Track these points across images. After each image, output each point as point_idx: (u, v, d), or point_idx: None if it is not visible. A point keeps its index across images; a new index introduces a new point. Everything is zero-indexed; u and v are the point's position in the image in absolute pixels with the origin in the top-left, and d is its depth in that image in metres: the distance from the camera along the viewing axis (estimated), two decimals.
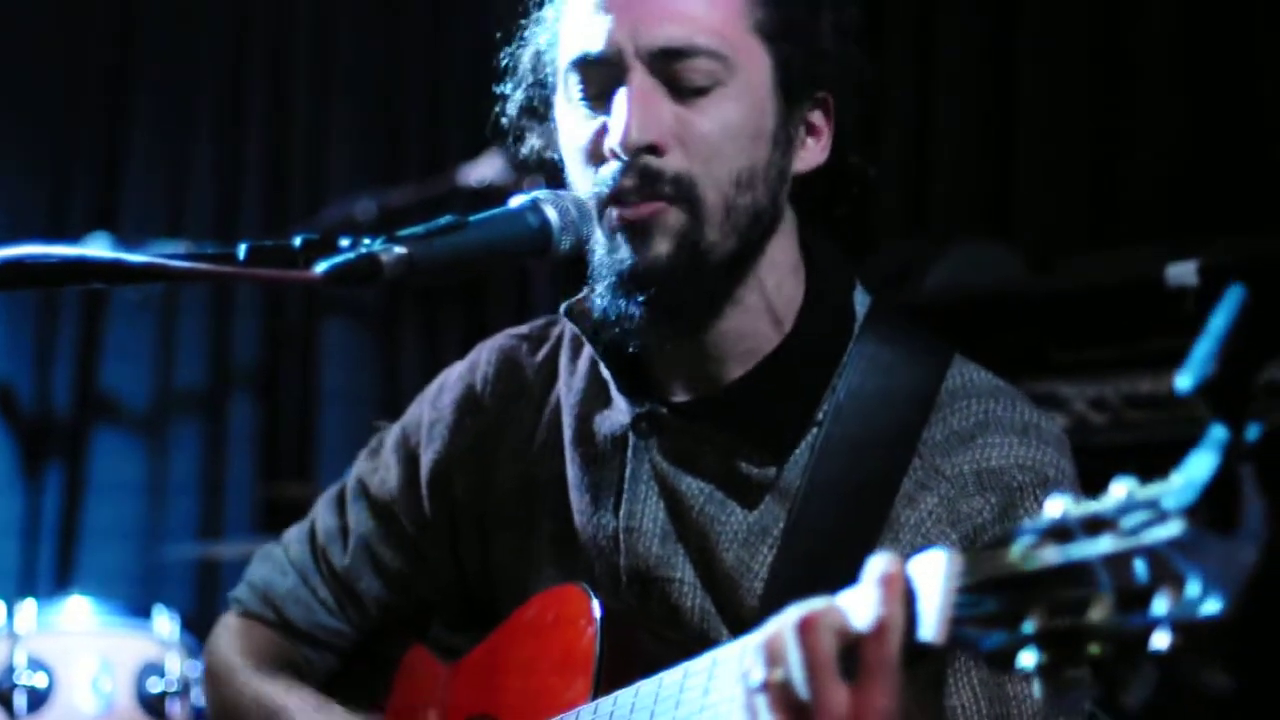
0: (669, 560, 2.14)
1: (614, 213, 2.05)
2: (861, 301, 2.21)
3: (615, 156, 2.04)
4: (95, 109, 5.80)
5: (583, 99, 2.10)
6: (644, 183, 2.03)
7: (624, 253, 2.05)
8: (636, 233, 2.05)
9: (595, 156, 2.07)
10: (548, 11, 2.19)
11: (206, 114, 5.75)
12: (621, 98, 2.04)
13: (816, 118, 2.14)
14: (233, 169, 5.71)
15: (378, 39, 5.66)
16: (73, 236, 4.98)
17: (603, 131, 2.06)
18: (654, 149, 2.03)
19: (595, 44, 2.06)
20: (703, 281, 2.07)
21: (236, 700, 2.39)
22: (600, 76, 2.07)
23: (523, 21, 2.23)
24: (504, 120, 2.24)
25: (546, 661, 2.11)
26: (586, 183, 2.07)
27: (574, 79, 2.10)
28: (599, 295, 2.10)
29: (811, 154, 2.14)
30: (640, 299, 2.06)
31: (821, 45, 2.10)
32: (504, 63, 2.24)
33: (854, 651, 1.49)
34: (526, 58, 2.21)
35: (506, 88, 2.24)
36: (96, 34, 5.81)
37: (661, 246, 2.05)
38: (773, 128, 2.09)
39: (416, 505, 2.38)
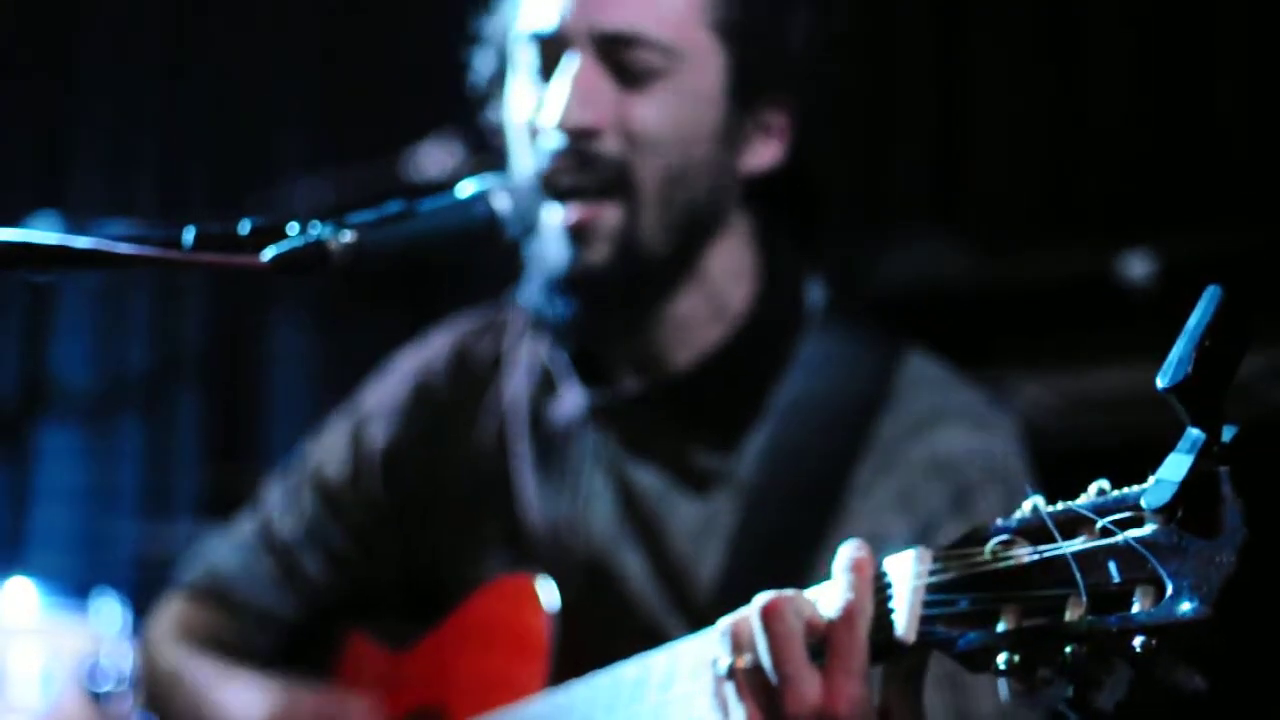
0: (619, 548, 2.14)
1: (555, 210, 2.05)
2: (815, 296, 2.20)
3: (552, 132, 2.04)
4: (39, 86, 5.72)
5: (530, 71, 2.11)
6: (580, 164, 2.04)
7: (563, 254, 2.05)
8: (577, 236, 2.05)
9: (535, 131, 2.07)
10: None
11: (153, 96, 5.69)
12: (564, 76, 2.04)
13: (774, 118, 2.13)
14: (180, 151, 5.65)
15: (329, 20, 5.61)
16: (18, 216, 4.91)
17: (544, 105, 2.07)
18: (590, 132, 2.03)
19: (548, 20, 2.08)
20: (637, 285, 2.08)
21: (156, 676, 2.45)
22: (550, 52, 2.09)
23: None
24: (470, 88, 2.24)
25: (499, 651, 2.11)
26: (525, 156, 2.08)
27: (525, 51, 2.12)
28: (532, 291, 2.10)
29: (763, 154, 2.14)
30: (572, 301, 2.07)
31: (785, 47, 2.09)
32: (475, 30, 2.24)
33: (823, 640, 1.48)
34: (495, 27, 2.21)
35: (475, 55, 2.24)
36: (40, 10, 5.73)
37: (600, 251, 2.06)
38: (717, 126, 2.08)
39: (363, 490, 2.39)
